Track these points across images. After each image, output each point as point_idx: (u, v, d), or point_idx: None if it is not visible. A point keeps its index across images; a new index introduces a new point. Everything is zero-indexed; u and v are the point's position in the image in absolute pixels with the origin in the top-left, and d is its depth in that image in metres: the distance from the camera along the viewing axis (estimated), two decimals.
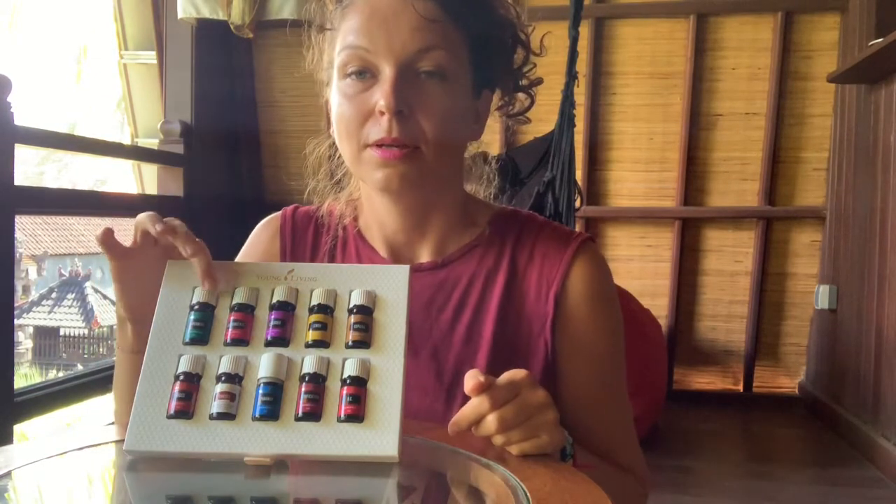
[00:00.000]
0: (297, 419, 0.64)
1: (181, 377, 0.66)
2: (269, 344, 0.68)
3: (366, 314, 0.69)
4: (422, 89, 0.78)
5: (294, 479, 0.65)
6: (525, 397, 0.65)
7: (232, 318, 0.69)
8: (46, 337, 14.26)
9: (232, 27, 3.05)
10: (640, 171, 3.40)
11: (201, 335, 0.68)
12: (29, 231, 14.99)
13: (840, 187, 3.11)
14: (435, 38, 0.78)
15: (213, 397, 0.65)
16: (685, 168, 3.31)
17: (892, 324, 2.48)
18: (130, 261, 0.74)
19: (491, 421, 0.64)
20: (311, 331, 0.68)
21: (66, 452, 0.66)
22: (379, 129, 0.77)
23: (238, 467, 0.63)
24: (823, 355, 3.18)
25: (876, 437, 2.52)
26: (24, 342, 13.59)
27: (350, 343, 0.68)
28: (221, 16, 2.99)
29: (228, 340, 0.68)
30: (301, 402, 0.65)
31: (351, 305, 0.70)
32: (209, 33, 3.12)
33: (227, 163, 3.38)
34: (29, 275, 14.63)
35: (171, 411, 0.64)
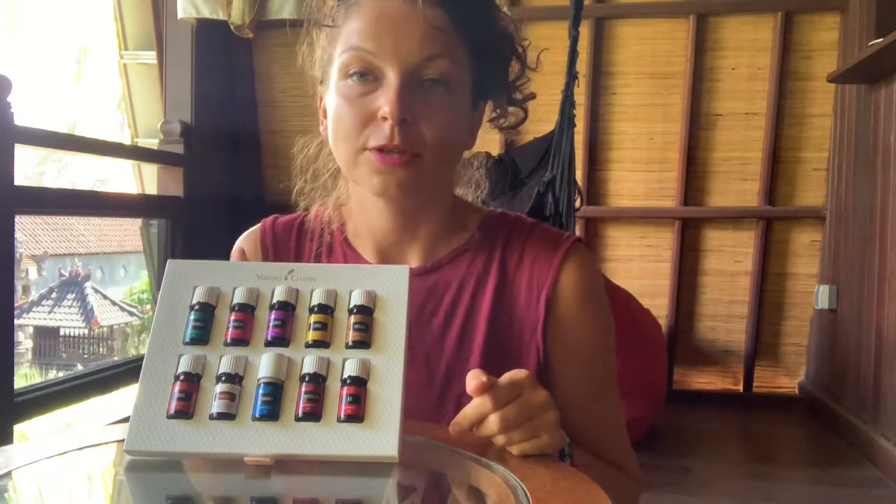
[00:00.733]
0: (297, 419, 0.64)
1: (181, 377, 0.66)
2: (269, 344, 0.68)
3: (366, 314, 0.69)
4: (426, 97, 0.78)
5: (294, 479, 0.65)
6: (527, 398, 0.65)
7: (232, 318, 0.69)
8: (46, 337, 14.26)
9: (232, 27, 3.05)
10: (640, 171, 3.40)
11: (201, 335, 0.68)
12: (29, 231, 14.98)
13: (840, 187, 3.11)
14: (441, 46, 0.78)
15: (214, 397, 0.65)
16: (685, 168, 3.31)
17: (892, 324, 2.48)
18: None
19: (493, 421, 0.64)
20: (311, 331, 0.68)
21: (66, 452, 0.66)
22: (380, 134, 0.77)
23: (238, 467, 0.63)
24: (823, 355, 3.18)
25: (876, 437, 2.52)
26: (24, 342, 13.59)
27: (350, 343, 0.68)
28: (221, 16, 3.00)
29: (228, 340, 0.68)
30: (301, 402, 0.65)
31: (351, 305, 0.70)
32: (209, 33, 3.12)
33: (227, 163, 3.38)
34: (29, 275, 14.63)
35: (171, 411, 0.64)
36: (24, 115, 2.12)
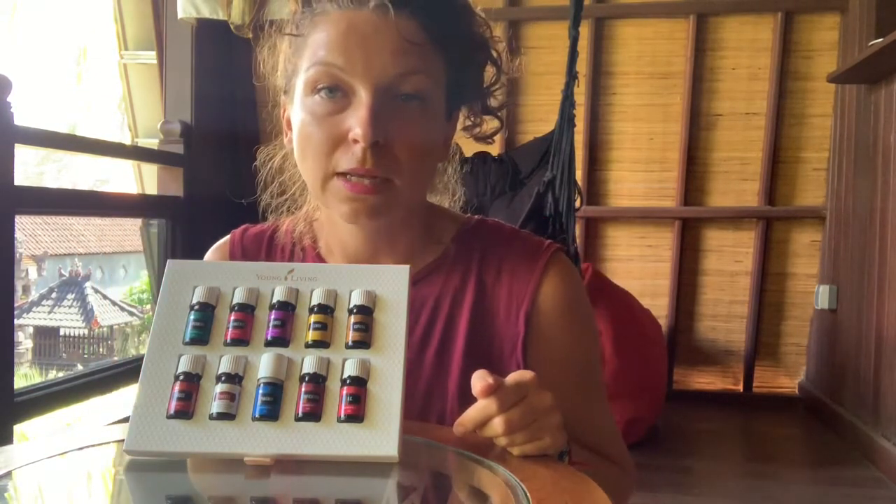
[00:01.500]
0: (297, 419, 0.64)
1: (181, 377, 0.66)
2: (269, 344, 0.68)
3: (366, 314, 0.69)
4: (399, 115, 0.74)
5: (294, 479, 0.65)
6: (531, 400, 0.65)
7: (232, 318, 0.69)
8: (46, 337, 14.26)
9: (232, 27, 3.04)
10: (640, 171, 3.40)
11: (201, 335, 0.68)
12: (29, 231, 14.98)
13: (840, 187, 3.11)
14: (416, 61, 0.73)
15: (213, 397, 0.65)
16: (685, 168, 3.31)
17: (892, 324, 2.48)
18: None
19: (497, 423, 0.64)
20: (311, 331, 0.68)
21: (66, 452, 0.66)
22: (350, 157, 0.73)
23: (238, 467, 0.63)
24: (823, 355, 3.18)
25: (876, 437, 2.52)
26: (24, 342, 13.59)
27: (350, 343, 0.68)
28: (221, 16, 2.99)
29: (228, 340, 0.68)
30: (301, 402, 0.65)
31: (351, 305, 0.70)
32: (209, 33, 3.12)
33: (227, 163, 3.38)
34: (29, 275, 14.63)
35: (171, 411, 0.64)
36: (24, 116, 2.12)
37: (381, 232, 0.83)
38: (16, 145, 2.06)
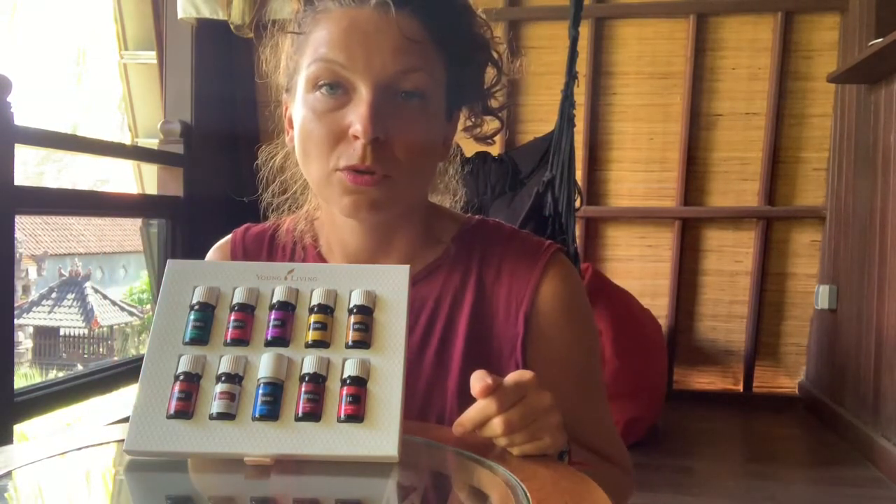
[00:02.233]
0: (297, 419, 0.64)
1: (181, 377, 0.66)
2: (269, 344, 0.68)
3: (366, 314, 0.69)
4: (399, 113, 0.74)
5: (294, 479, 0.65)
6: (531, 400, 0.64)
7: (232, 318, 0.69)
8: (46, 337, 14.26)
9: (232, 27, 3.04)
10: (640, 171, 3.40)
11: (201, 335, 0.68)
12: (29, 231, 14.99)
13: (840, 187, 3.11)
14: (417, 59, 0.74)
15: (213, 397, 0.65)
16: (685, 168, 3.32)
17: (892, 324, 2.48)
18: None
19: (497, 424, 0.63)
20: (311, 331, 0.68)
21: (66, 452, 0.66)
22: (352, 153, 0.73)
23: (238, 467, 0.63)
24: (823, 355, 3.18)
25: (876, 437, 2.52)
26: (24, 342, 13.60)
27: (350, 343, 0.68)
28: (221, 16, 2.99)
29: (228, 340, 0.68)
30: (301, 402, 0.65)
31: (351, 305, 0.70)
32: (209, 33, 3.12)
33: (227, 163, 3.38)
34: (29, 275, 14.63)
35: (171, 411, 0.64)
36: (24, 116, 2.12)
37: (381, 230, 0.83)
38: (16, 145, 2.06)
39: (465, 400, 0.65)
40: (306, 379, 0.66)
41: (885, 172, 2.61)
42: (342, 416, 0.64)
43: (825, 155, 3.25)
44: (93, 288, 14.72)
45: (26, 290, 14.43)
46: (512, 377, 0.65)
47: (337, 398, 0.65)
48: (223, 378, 0.66)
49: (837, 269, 3.10)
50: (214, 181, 3.19)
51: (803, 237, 3.32)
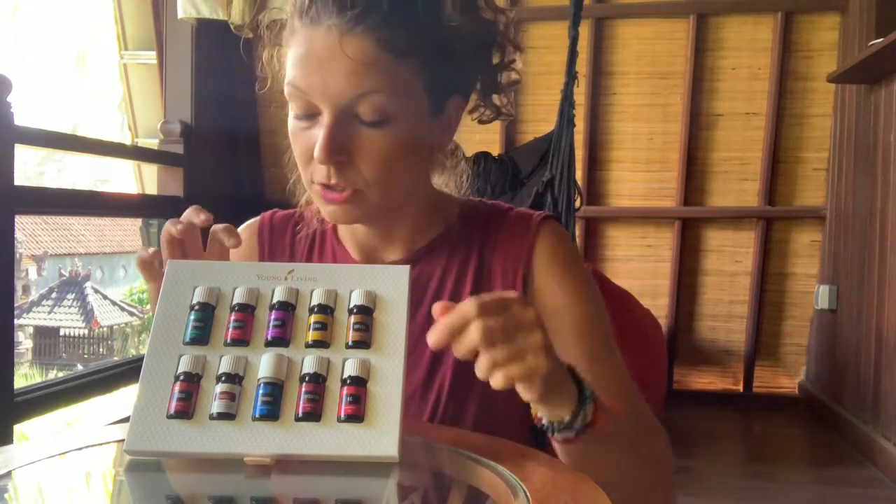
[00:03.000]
0: (297, 419, 0.64)
1: (181, 377, 0.66)
2: (269, 344, 0.68)
3: (366, 314, 0.69)
4: (360, 136, 0.75)
5: (294, 479, 0.65)
6: (514, 312, 0.61)
7: (232, 318, 0.69)
8: (46, 337, 14.27)
9: (232, 27, 3.04)
10: (640, 171, 3.40)
11: (201, 335, 0.68)
12: (29, 231, 15.00)
13: (840, 187, 3.11)
14: (371, 81, 0.73)
15: (214, 397, 0.65)
16: (685, 168, 3.32)
17: (892, 324, 2.48)
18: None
19: (475, 329, 0.60)
20: (311, 331, 0.68)
21: (66, 452, 0.66)
22: (320, 173, 0.77)
23: (238, 467, 0.63)
24: (823, 355, 3.18)
25: (876, 437, 2.52)
26: (24, 342, 13.60)
27: (350, 343, 0.68)
28: (221, 16, 3.00)
29: (228, 340, 0.68)
30: (301, 402, 0.65)
31: (351, 305, 0.70)
32: (209, 33, 3.12)
33: (227, 163, 3.38)
34: (29, 275, 14.64)
35: (172, 411, 0.64)
36: (24, 116, 2.12)
37: (381, 223, 0.86)
38: (16, 145, 2.06)
39: (469, 369, 0.64)
40: (306, 379, 0.66)
41: (885, 172, 2.61)
42: (342, 416, 0.64)
43: (825, 155, 3.25)
44: (93, 288, 14.73)
45: (26, 290, 14.44)
46: (495, 293, 0.63)
47: (337, 398, 0.65)
48: (223, 378, 0.66)
49: (837, 269, 3.10)
50: (214, 181, 3.19)
51: (803, 237, 3.32)
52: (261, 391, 0.65)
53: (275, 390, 0.65)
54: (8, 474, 0.61)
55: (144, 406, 0.65)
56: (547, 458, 0.65)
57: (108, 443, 0.69)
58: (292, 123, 0.79)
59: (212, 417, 0.64)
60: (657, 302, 3.31)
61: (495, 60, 0.85)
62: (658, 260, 3.40)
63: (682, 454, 2.70)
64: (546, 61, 3.21)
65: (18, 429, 2.14)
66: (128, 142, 3.72)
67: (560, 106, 2.35)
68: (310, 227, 0.93)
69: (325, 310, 0.69)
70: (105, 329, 14.38)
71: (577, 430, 0.66)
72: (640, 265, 3.42)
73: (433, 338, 0.61)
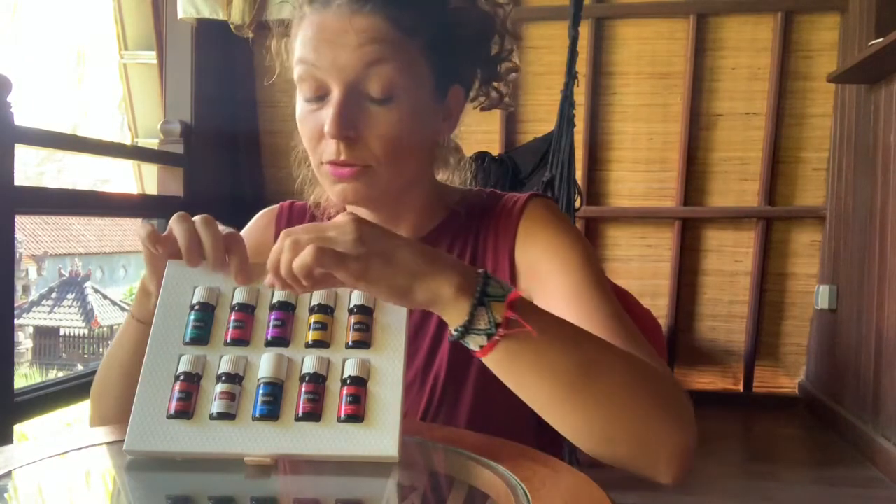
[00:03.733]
0: (297, 419, 0.64)
1: (181, 377, 0.66)
2: (269, 344, 0.68)
3: (366, 314, 0.69)
4: (370, 112, 0.77)
5: (294, 479, 0.65)
6: (319, 225, 0.63)
7: (232, 318, 0.69)
8: (46, 337, 14.27)
9: (232, 27, 3.04)
10: (640, 171, 3.40)
11: (201, 335, 0.68)
12: (29, 231, 15.00)
13: (840, 187, 3.11)
14: (380, 53, 0.75)
15: (214, 397, 0.65)
16: (685, 168, 3.31)
17: (892, 324, 2.48)
18: (165, 256, 0.73)
19: (285, 248, 0.61)
20: (311, 331, 0.68)
21: (66, 452, 0.66)
22: (330, 150, 0.78)
23: (238, 467, 0.63)
24: (823, 355, 3.18)
25: (876, 437, 2.52)
26: (24, 342, 13.60)
27: (350, 343, 0.68)
28: (221, 16, 3.00)
29: (228, 340, 0.68)
30: (301, 402, 0.65)
31: (351, 305, 0.70)
32: (209, 33, 3.12)
33: (227, 163, 3.38)
34: (29, 275, 14.65)
35: (172, 411, 0.64)
36: (24, 116, 2.12)
37: (387, 207, 0.87)
38: (16, 145, 2.06)
39: (464, 356, 0.64)
40: (306, 379, 0.66)
41: (885, 172, 2.61)
42: (342, 416, 0.64)
43: (825, 155, 3.25)
44: (93, 288, 14.73)
45: (26, 290, 14.44)
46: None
47: (337, 398, 0.65)
48: (223, 378, 0.66)
49: (837, 269, 3.10)
50: (214, 181, 3.19)
51: (803, 237, 3.32)
52: (261, 391, 0.65)
53: (275, 390, 0.65)
54: (8, 474, 0.61)
55: (144, 406, 0.65)
56: (547, 458, 0.65)
57: (108, 443, 0.69)
58: (301, 107, 0.80)
59: (212, 417, 0.64)
60: (657, 302, 3.31)
61: (494, 50, 0.88)
62: (658, 260, 3.40)
63: None
64: (546, 61, 3.21)
65: (18, 429, 2.14)
66: (128, 142, 3.72)
67: (560, 106, 2.35)
68: (325, 218, 0.93)
69: (325, 309, 0.69)
70: (105, 329, 14.38)
71: (486, 333, 0.61)
72: (640, 265, 3.42)
73: (273, 283, 0.63)
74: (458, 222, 0.89)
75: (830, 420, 2.96)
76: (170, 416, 0.64)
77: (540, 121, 3.14)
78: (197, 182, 3.04)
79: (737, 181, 3.33)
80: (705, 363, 3.41)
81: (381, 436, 0.63)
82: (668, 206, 3.37)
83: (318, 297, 0.70)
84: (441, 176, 0.93)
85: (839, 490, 2.37)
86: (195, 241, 0.70)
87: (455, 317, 0.62)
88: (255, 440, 0.63)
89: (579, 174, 3.11)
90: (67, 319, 14.29)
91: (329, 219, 0.91)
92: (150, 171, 3.51)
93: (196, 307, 0.70)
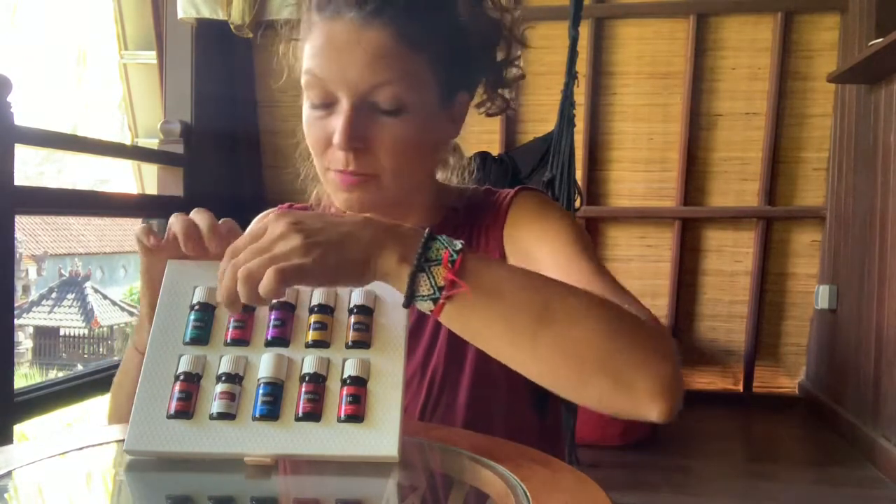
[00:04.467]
0: (298, 419, 0.64)
1: (181, 377, 0.66)
2: (269, 344, 0.68)
3: (366, 314, 0.69)
4: (378, 124, 0.77)
5: (294, 479, 0.65)
6: (254, 231, 0.63)
7: (232, 318, 0.69)
8: (46, 337, 14.27)
9: (232, 27, 3.05)
10: (640, 171, 3.40)
11: (201, 335, 0.68)
12: (29, 231, 14.99)
13: (840, 187, 3.11)
14: (388, 72, 0.76)
15: (214, 397, 0.65)
16: (685, 168, 3.31)
17: (892, 324, 2.48)
18: (161, 255, 0.73)
19: (241, 276, 0.60)
20: (311, 331, 0.68)
21: (66, 452, 0.66)
22: (337, 159, 0.78)
23: (238, 467, 0.63)
24: (823, 355, 3.18)
25: (876, 437, 2.52)
26: (24, 342, 13.60)
27: (350, 343, 0.68)
28: (221, 16, 2.99)
29: (229, 340, 0.68)
30: (301, 402, 0.65)
31: (351, 305, 0.70)
32: (209, 33, 3.12)
33: (227, 163, 3.38)
34: (29, 275, 14.64)
35: (172, 411, 0.64)
36: (24, 116, 2.12)
37: (393, 211, 0.86)
38: (16, 145, 2.06)
39: (460, 352, 0.64)
40: (306, 379, 0.66)
41: (885, 172, 2.61)
42: (342, 416, 0.64)
43: (825, 155, 3.25)
44: (93, 288, 14.73)
45: (26, 290, 14.44)
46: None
47: (337, 398, 0.65)
48: (223, 378, 0.66)
49: (837, 269, 3.10)
50: (214, 181, 3.19)
51: (803, 237, 3.32)
52: (261, 391, 0.65)
53: (275, 390, 0.65)
54: (8, 474, 0.61)
55: (144, 406, 0.65)
56: (547, 458, 0.65)
57: (108, 443, 0.69)
58: (308, 112, 0.80)
59: (212, 417, 0.64)
60: (657, 302, 3.31)
61: (501, 56, 0.88)
62: (658, 260, 3.40)
63: (682, 454, 2.70)
64: (546, 61, 3.21)
65: (18, 429, 2.14)
66: (128, 142, 3.72)
67: (560, 106, 2.35)
68: None
69: (325, 310, 0.69)
70: (105, 329, 14.38)
71: (431, 298, 0.62)
72: (640, 265, 3.42)
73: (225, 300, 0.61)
74: (455, 220, 0.90)
75: (830, 420, 2.96)
76: (170, 416, 0.64)
77: (540, 121, 3.14)
78: (197, 182, 3.04)
79: (737, 181, 3.33)
80: (705, 363, 3.41)
81: (381, 436, 0.63)
82: (668, 206, 3.37)
83: (318, 297, 0.70)
84: (440, 175, 0.94)
85: (839, 490, 2.37)
86: (191, 227, 0.70)
87: (401, 286, 0.63)
88: (255, 440, 0.63)
89: (579, 174, 3.11)
90: (67, 319, 14.28)
91: None
92: (150, 171, 3.51)
93: (196, 307, 0.70)
